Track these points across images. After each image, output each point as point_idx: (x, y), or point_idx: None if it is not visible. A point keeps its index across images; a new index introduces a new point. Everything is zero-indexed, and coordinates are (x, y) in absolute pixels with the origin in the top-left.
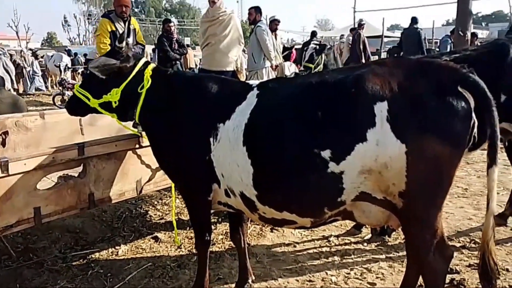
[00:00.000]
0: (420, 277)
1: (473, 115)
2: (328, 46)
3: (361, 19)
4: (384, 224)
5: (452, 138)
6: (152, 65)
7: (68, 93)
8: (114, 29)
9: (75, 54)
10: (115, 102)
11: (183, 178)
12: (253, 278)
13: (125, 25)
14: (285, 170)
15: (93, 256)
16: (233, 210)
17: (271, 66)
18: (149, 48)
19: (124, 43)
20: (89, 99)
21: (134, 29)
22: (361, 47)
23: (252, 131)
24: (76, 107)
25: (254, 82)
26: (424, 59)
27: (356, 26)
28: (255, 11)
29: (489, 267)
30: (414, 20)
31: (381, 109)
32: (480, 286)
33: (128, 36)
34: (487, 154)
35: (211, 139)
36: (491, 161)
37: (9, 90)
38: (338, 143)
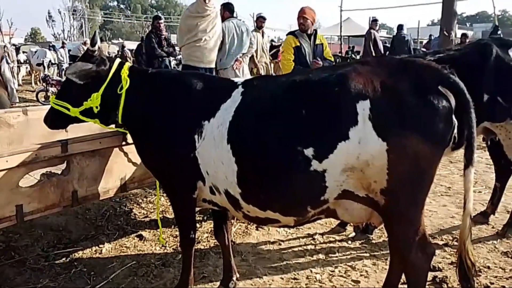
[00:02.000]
0: (403, 275)
1: (454, 112)
2: None
3: (374, 16)
4: (367, 222)
5: (432, 136)
6: (127, 65)
7: (52, 89)
8: (298, 44)
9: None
10: (97, 107)
11: (168, 175)
12: (238, 276)
13: (310, 39)
14: (268, 169)
15: (76, 254)
16: (217, 208)
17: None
18: (134, 45)
19: (96, 46)
20: (68, 109)
21: (321, 44)
22: (372, 44)
23: (236, 129)
24: (56, 120)
25: (239, 79)
26: (406, 59)
27: (340, 24)
28: (223, 8)
29: (466, 266)
30: (400, 28)
31: (363, 107)
32: (462, 285)
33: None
34: (464, 155)
35: (196, 137)
36: (468, 161)
37: None
38: (321, 141)
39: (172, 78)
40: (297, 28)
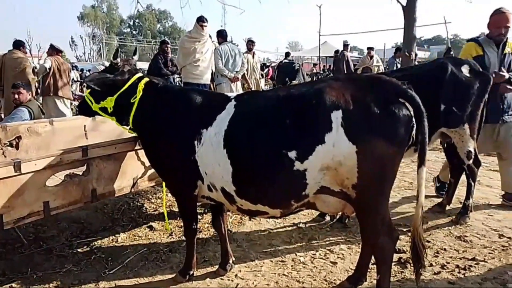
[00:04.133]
0: (373, 256)
1: (413, 120)
2: (297, 66)
3: (346, 40)
4: (342, 212)
5: (394, 139)
6: (146, 79)
7: (75, 103)
8: (481, 53)
9: (82, 69)
10: (110, 108)
11: (172, 176)
12: (234, 259)
13: (498, 48)
14: (258, 169)
15: (96, 243)
16: (214, 203)
17: (230, 79)
18: (144, 65)
19: (118, 59)
20: (92, 103)
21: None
22: (345, 65)
23: (231, 136)
24: (84, 108)
25: (232, 94)
26: (372, 75)
27: (319, 47)
28: (217, 34)
29: (419, 249)
30: (287, 55)
31: (336, 116)
32: (415, 263)
33: (135, 54)
34: (418, 156)
35: (196, 142)
36: (421, 162)
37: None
38: (302, 145)
39: (177, 92)
40: (281, 51)
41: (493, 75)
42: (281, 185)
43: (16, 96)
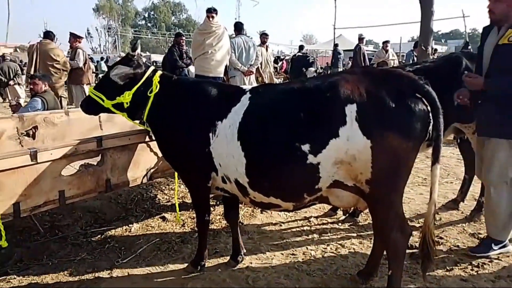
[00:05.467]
0: (385, 252)
1: (430, 115)
2: (312, 59)
3: (361, 33)
4: (354, 207)
5: (410, 135)
6: (159, 72)
7: None
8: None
9: (97, 61)
10: (127, 103)
11: (186, 168)
12: (245, 251)
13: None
14: (272, 161)
15: (109, 232)
16: (228, 195)
17: (243, 73)
18: (159, 57)
19: (136, 51)
20: (103, 100)
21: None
22: (361, 58)
23: (245, 128)
24: (91, 107)
25: (247, 86)
26: (386, 69)
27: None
28: (234, 26)
29: (429, 246)
30: (301, 48)
31: (351, 110)
32: (424, 260)
33: (134, 49)
34: (432, 154)
35: (210, 134)
36: (435, 159)
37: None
38: (316, 138)
39: (191, 85)
40: (295, 44)
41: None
42: (294, 178)
43: (32, 86)
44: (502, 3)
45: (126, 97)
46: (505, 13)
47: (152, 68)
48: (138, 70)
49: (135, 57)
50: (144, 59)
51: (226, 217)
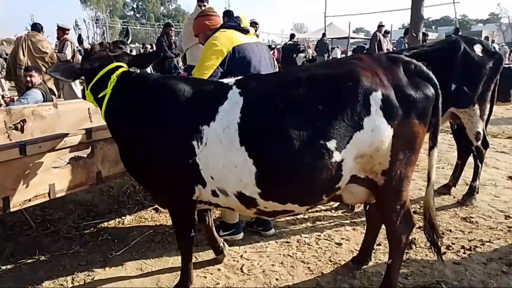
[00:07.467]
0: (378, 237)
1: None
2: (302, 48)
3: (381, 21)
4: (366, 201)
5: (425, 120)
6: (122, 69)
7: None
8: None
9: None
10: (93, 102)
11: (162, 184)
12: (222, 240)
13: None
14: (292, 165)
15: (102, 225)
16: (213, 207)
17: None
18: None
19: (129, 39)
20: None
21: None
22: (375, 46)
23: (249, 130)
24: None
25: (227, 80)
26: (391, 56)
27: (324, 28)
28: (223, 15)
29: (435, 229)
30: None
31: (375, 98)
32: (428, 244)
33: (127, 35)
34: (429, 138)
35: (195, 143)
36: (433, 143)
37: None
38: (339, 132)
39: (154, 83)
40: (287, 33)
41: None
42: (317, 180)
43: (29, 78)
44: None
45: (88, 96)
46: None
47: (114, 64)
48: (87, 66)
49: (92, 51)
50: (134, 51)
51: (200, 220)
